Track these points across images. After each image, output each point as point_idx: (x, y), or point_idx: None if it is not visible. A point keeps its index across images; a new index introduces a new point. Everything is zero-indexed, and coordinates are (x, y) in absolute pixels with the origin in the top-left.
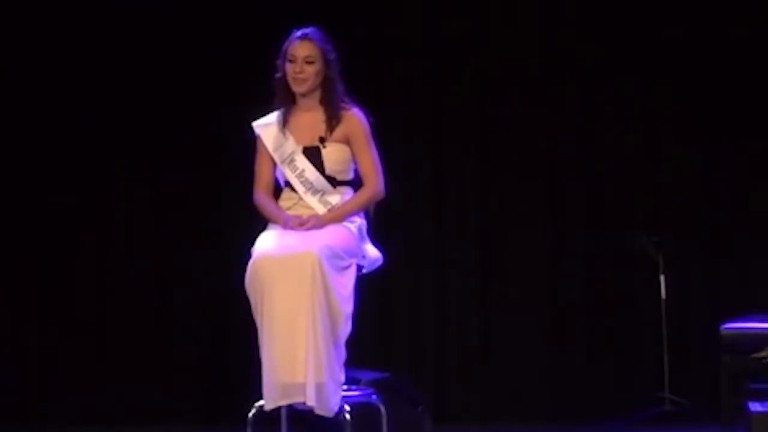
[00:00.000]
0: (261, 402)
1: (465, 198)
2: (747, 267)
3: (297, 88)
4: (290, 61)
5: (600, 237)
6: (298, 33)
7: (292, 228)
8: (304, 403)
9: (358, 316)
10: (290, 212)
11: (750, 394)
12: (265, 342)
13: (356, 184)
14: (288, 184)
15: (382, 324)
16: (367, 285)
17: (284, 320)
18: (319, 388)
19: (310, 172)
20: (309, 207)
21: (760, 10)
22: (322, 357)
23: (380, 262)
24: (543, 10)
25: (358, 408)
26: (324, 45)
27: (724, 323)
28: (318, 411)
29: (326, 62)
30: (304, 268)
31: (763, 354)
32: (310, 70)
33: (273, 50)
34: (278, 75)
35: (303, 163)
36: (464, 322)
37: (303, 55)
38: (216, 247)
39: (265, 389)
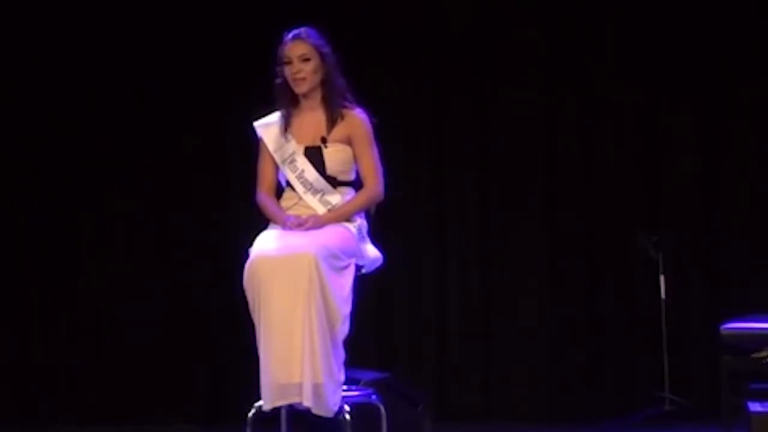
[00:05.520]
0: (260, 402)
1: (465, 198)
2: (747, 267)
3: (298, 89)
4: (287, 63)
5: (600, 237)
6: (290, 35)
7: (291, 228)
8: (301, 404)
9: (357, 316)
10: (290, 212)
11: (750, 394)
12: (262, 342)
13: (357, 184)
14: (289, 184)
15: (381, 324)
16: (366, 285)
17: (281, 321)
18: (317, 389)
19: (310, 172)
20: (309, 207)
21: (759, 11)
22: (319, 357)
23: (380, 262)
24: (543, 11)
25: (358, 408)
26: (316, 41)
27: (724, 323)
28: (316, 411)
29: (322, 57)
30: (301, 269)
31: (763, 354)
32: (308, 68)
33: (274, 50)
34: (278, 81)
35: (303, 163)
36: (464, 321)
37: (298, 54)
38: (216, 247)
39: (263, 389)
